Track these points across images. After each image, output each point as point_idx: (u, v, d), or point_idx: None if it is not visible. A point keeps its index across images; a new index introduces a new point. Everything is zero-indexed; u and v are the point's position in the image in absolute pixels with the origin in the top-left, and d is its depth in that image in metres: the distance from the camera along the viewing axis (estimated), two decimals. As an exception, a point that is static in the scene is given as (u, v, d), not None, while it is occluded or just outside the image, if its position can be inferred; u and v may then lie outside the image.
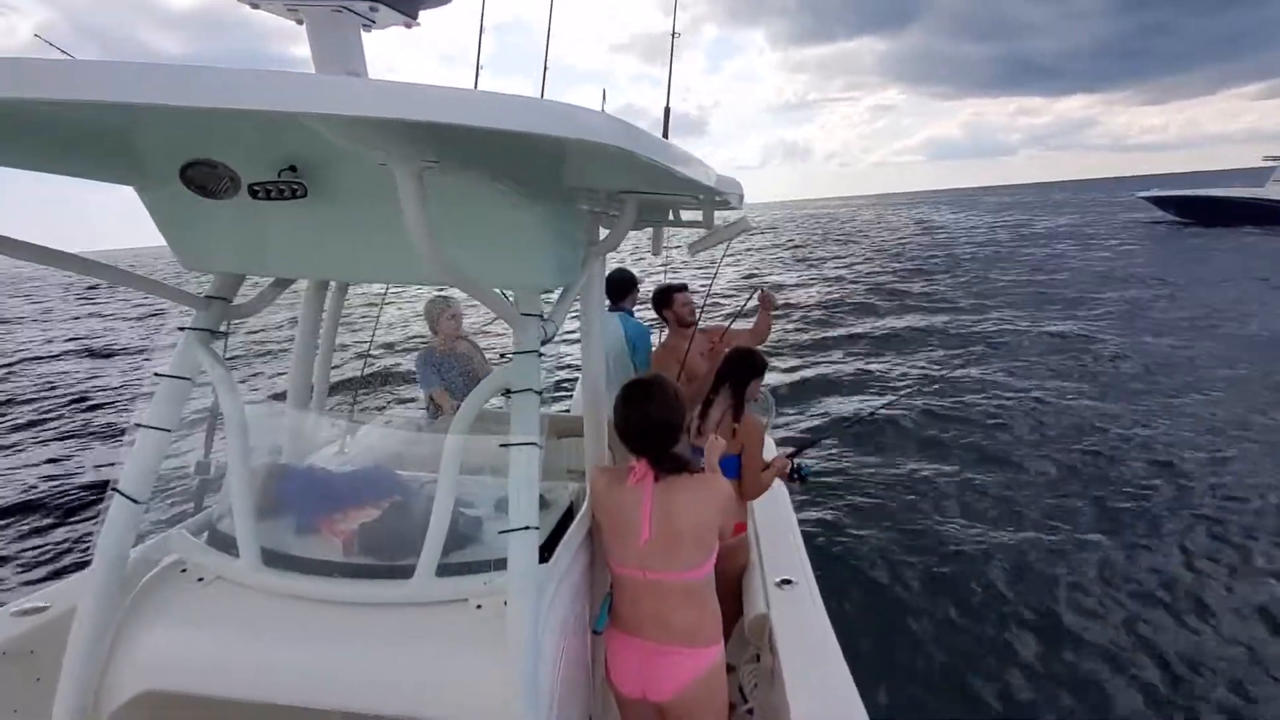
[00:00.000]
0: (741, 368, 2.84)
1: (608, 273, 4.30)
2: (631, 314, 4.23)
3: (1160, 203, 35.75)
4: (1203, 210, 32.55)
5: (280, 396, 2.55)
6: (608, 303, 4.23)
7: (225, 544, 1.75)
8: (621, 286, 4.23)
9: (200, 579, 1.72)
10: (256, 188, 1.41)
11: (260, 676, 1.57)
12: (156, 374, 1.71)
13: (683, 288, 3.89)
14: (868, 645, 3.92)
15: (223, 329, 1.83)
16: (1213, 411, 7.67)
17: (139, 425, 1.67)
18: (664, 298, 3.85)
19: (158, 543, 1.79)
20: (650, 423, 1.90)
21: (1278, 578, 4.54)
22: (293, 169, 1.42)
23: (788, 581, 2.48)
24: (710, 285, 4.26)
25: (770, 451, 3.50)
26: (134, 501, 1.65)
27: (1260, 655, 3.84)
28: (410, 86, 0.81)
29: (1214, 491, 5.76)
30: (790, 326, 13.59)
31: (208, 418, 2.14)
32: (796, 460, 2.96)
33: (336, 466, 2.28)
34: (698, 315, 3.78)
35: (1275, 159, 30.62)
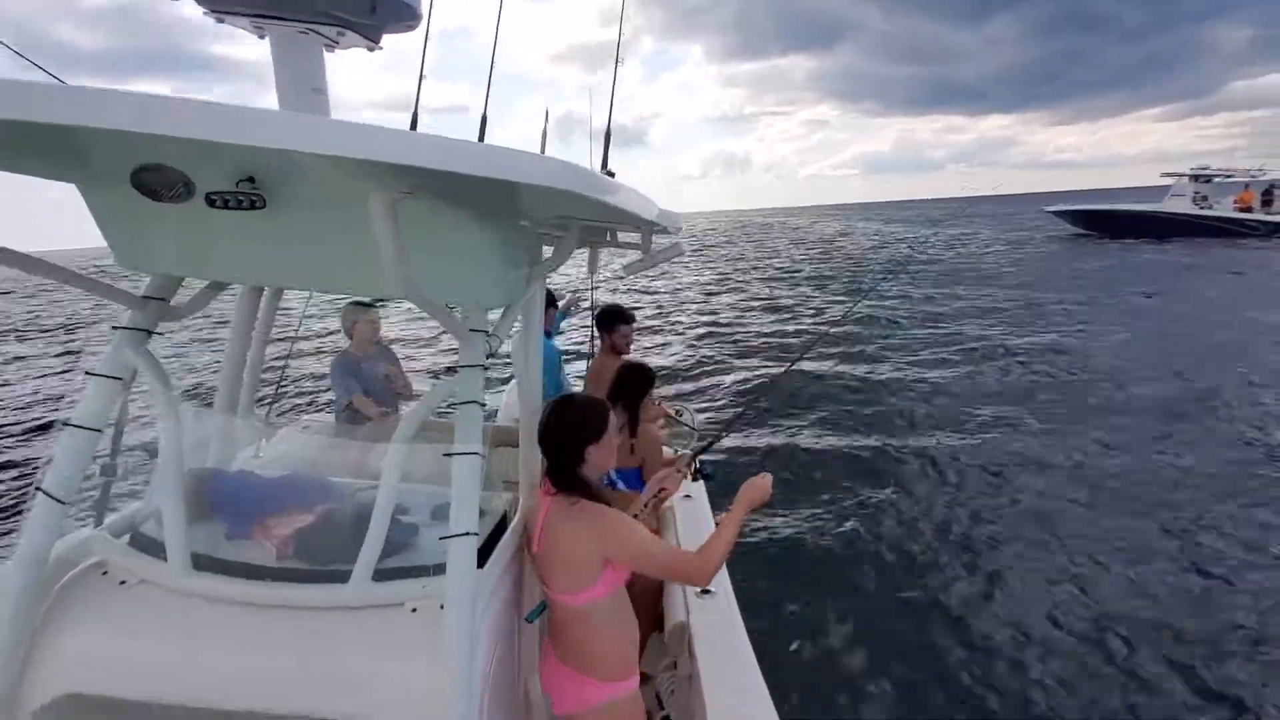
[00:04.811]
0: (634, 384, 2.84)
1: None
2: (547, 333, 4.25)
3: (1066, 216, 38.31)
4: (1104, 223, 35.04)
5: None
6: None
7: (149, 547, 1.72)
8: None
9: (123, 582, 1.69)
10: (214, 196, 1.41)
11: (188, 679, 1.56)
12: (88, 372, 1.67)
13: (630, 319, 3.94)
14: (783, 650, 4.10)
15: (158, 330, 1.81)
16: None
17: (66, 424, 1.63)
18: (611, 322, 3.91)
19: (77, 545, 1.74)
20: (548, 438, 1.94)
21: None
22: (250, 180, 1.44)
23: (707, 591, 2.61)
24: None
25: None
26: (59, 502, 1.60)
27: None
28: (403, 134, 0.89)
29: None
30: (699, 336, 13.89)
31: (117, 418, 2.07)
32: (699, 460, 3.05)
33: (259, 470, 2.25)
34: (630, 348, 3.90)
35: (1171, 175, 33.41)
